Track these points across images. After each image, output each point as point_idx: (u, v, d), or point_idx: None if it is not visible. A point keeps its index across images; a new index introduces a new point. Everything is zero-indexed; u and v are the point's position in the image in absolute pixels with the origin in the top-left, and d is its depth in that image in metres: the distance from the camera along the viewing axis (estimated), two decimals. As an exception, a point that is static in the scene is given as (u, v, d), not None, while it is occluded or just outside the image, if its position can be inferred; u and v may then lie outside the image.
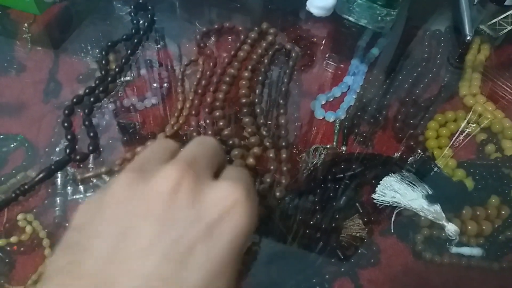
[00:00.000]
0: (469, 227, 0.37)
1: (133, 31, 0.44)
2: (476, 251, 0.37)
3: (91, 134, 0.36)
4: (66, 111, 0.37)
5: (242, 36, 0.43)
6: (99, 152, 0.38)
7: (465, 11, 0.46)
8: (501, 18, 0.45)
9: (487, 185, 0.40)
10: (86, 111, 0.37)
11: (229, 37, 0.48)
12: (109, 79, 0.39)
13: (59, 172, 0.38)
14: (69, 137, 0.36)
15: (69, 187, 0.38)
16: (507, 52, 0.49)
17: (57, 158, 0.37)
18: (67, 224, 0.37)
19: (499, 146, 0.43)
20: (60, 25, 0.50)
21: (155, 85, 0.45)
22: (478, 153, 0.43)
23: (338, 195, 0.39)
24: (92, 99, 0.38)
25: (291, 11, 0.51)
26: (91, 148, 0.36)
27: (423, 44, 0.49)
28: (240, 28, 0.46)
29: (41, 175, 0.35)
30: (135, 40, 0.43)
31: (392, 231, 0.37)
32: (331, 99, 0.46)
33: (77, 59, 0.47)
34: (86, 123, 0.37)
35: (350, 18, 0.46)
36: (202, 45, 0.45)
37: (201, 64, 0.43)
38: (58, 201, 0.38)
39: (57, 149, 0.40)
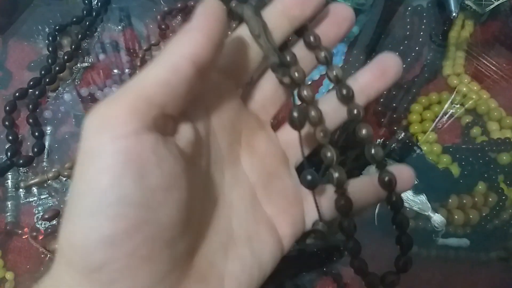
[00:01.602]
0: (456, 216, 0.36)
1: (84, 12, 0.39)
2: (463, 242, 0.35)
3: (36, 134, 0.32)
4: (7, 108, 0.32)
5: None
6: (50, 150, 0.34)
7: (451, -15, 0.43)
8: (487, -7, 0.42)
9: (474, 171, 0.38)
10: (31, 107, 0.33)
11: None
12: (57, 68, 0.35)
13: (9, 174, 0.34)
14: (10, 138, 0.31)
15: (21, 190, 0.35)
16: (491, 28, 0.47)
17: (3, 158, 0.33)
18: (20, 232, 0.33)
19: (485, 129, 0.41)
20: (5, 7, 0.45)
21: (115, 71, 0.41)
22: (463, 136, 0.41)
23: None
24: (37, 92, 0.34)
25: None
26: (35, 150, 0.32)
27: (404, 20, 0.47)
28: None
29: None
30: (87, 23, 0.39)
31: (376, 224, 0.35)
32: (309, 82, 0.43)
33: (28, 44, 0.43)
34: (30, 121, 0.32)
35: (328, -6, 0.43)
36: (163, 27, 0.41)
37: (162, 48, 0.39)
38: (10, 205, 0.34)
39: (7, 146, 0.36)
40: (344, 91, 0.23)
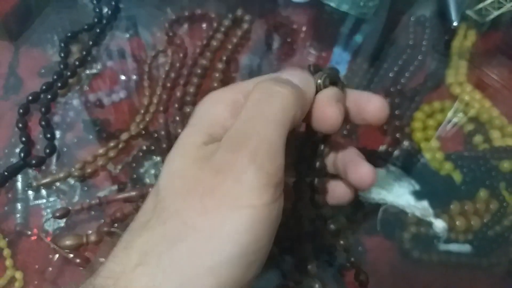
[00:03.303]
0: (457, 222, 0.36)
1: (95, 20, 0.40)
2: (464, 248, 0.36)
3: (48, 135, 0.33)
4: (21, 111, 0.33)
5: (215, 24, 0.40)
6: (59, 153, 0.35)
7: (451, -4, 0.44)
8: (487, 3, 0.43)
9: (476, 178, 0.38)
10: (43, 110, 0.34)
11: (203, 25, 0.45)
12: (69, 73, 0.36)
13: (19, 176, 0.35)
14: (23, 139, 0.32)
15: (30, 192, 0.35)
16: (493, 38, 0.47)
17: (14, 161, 0.34)
18: (29, 233, 0.34)
19: (487, 137, 0.41)
20: (18, 15, 0.46)
21: (123, 77, 0.42)
22: (466, 144, 0.41)
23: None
24: (49, 96, 0.35)
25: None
26: (47, 151, 0.33)
27: (407, 30, 0.47)
28: (213, 15, 0.43)
29: (-7, 182, 0.32)
30: (98, 30, 0.40)
31: (379, 229, 0.36)
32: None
33: (39, 51, 0.44)
34: (43, 123, 0.33)
35: (331, 4, 0.44)
36: (171, 34, 0.42)
37: (170, 55, 0.40)
38: (19, 207, 0.35)
39: (17, 150, 0.37)
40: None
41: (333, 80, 0.23)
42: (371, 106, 0.24)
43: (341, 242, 0.28)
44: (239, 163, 0.18)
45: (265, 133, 0.19)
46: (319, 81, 0.23)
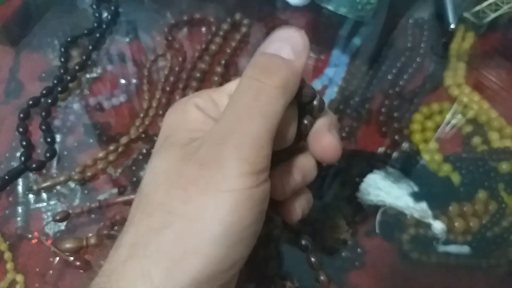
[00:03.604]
0: (456, 224, 0.36)
1: (95, 24, 0.40)
2: (463, 249, 0.36)
3: (49, 139, 0.33)
4: (21, 115, 0.34)
5: (213, 28, 0.41)
6: (59, 157, 0.35)
7: (448, -2, 0.45)
8: (484, 6, 0.43)
9: (474, 179, 0.38)
10: (43, 114, 0.34)
11: (203, 29, 0.45)
12: (69, 78, 0.36)
13: (20, 179, 0.35)
14: (24, 143, 0.33)
15: (31, 195, 0.36)
16: (491, 40, 0.48)
17: (14, 165, 0.34)
18: (30, 236, 0.34)
19: (485, 138, 0.41)
20: (19, 20, 0.47)
21: (123, 81, 0.42)
22: (464, 145, 0.41)
23: (323, 194, 0.37)
24: (49, 100, 0.35)
25: (267, 0, 0.48)
26: (48, 155, 0.33)
27: (406, 32, 0.48)
28: (212, 19, 0.43)
29: (-8, 187, 0.32)
30: (97, 35, 0.40)
31: (377, 231, 0.36)
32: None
33: (40, 56, 0.44)
34: (43, 127, 0.34)
35: (329, 7, 0.44)
36: (170, 38, 0.43)
37: (169, 59, 0.40)
38: (20, 210, 0.35)
39: (18, 154, 0.37)
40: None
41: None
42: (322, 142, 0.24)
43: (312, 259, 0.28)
44: (223, 155, 0.18)
45: (251, 127, 0.19)
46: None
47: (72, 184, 0.36)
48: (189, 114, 0.22)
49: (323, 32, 0.48)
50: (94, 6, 0.44)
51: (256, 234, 0.19)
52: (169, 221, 0.18)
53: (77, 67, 0.38)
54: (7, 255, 0.34)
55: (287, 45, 0.21)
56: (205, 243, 0.18)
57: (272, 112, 0.19)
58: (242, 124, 0.19)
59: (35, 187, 0.34)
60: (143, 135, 0.38)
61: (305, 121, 0.23)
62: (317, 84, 0.44)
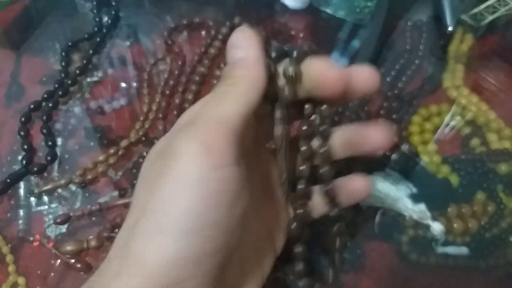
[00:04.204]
0: (455, 225, 0.36)
1: (96, 28, 0.41)
2: (462, 250, 0.36)
3: (50, 143, 0.34)
4: (23, 119, 0.34)
5: (213, 32, 0.41)
6: (60, 160, 0.35)
7: (446, 1, 0.45)
8: (482, 8, 0.43)
9: (473, 180, 0.39)
10: (45, 118, 0.35)
11: (202, 33, 0.45)
12: (70, 82, 0.37)
13: (21, 182, 0.36)
14: (25, 147, 0.33)
15: (32, 198, 0.36)
16: (489, 42, 0.48)
17: (16, 168, 0.34)
18: (31, 238, 0.35)
19: (484, 140, 0.42)
20: (20, 24, 0.47)
21: (123, 84, 0.42)
22: (463, 147, 0.42)
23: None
24: (51, 104, 0.35)
25: (266, 3, 0.49)
26: (49, 158, 0.33)
27: (404, 35, 0.48)
28: (211, 23, 0.43)
29: (-6, 190, 0.33)
30: (98, 39, 0.40)
31: (376, 232, 0.36)
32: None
33: (41, 59, 0.45)
34: (44, 131, 0.34)
35: (328, 10, 0.44)
36: (170, 42, 0.43)
37: (169, 62, 0.40)
38: (22, 213, 0.36)
39: (20, 157, 0.38)
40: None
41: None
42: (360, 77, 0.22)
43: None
44: (184, 143, 0.18)
45: (215, 114, 0.19)
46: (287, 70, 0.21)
47: (73, 187, 0.36)
48: None
49: (321, 35, 0.48)
50: (95, 11, 0.44)
51: (231, 226, 0.18)
52: (140, 217, 0.18)
53: (77, 71, 0.39)
54: (9, 258, 0.34)
55: (236, 47, 0.21)
56: (162, 236, 0.17)
57: (238, 100, 0.19)
58: (206, 112, 0.19)
59: (36, 190, 0.34)
60: (144, 138, 0.39)
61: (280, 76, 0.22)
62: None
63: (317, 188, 0.25)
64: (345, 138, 0.24)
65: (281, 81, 0.22)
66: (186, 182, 0.17)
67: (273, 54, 0.22)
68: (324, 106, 0.23)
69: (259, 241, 0.23)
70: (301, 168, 0.24)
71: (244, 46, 0.20)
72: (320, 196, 0.25)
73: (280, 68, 0.22)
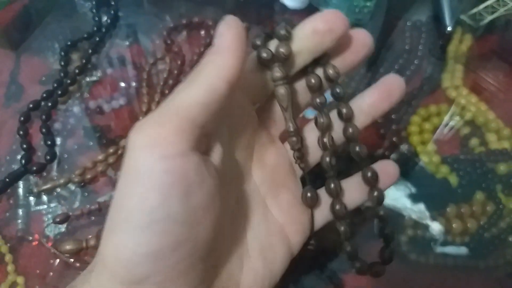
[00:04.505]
0: (454, 225, 0.36)
1: (95, 28, 0.41)
2: (461, 250, 0.36)
3: (49, 142, 0.34)
4: (22, 118, 0.34)
5: (212, 31, 0.41)
6: (59, 160, 0.35)
7: (445, 1, 0.45)
8: (481, 8, 0.43)
9: (472, 180, 0.39)
10: (44, 117, 0.35)
11: (201, 32, 0.45)
12: (69, 81, 0.37)
13: (20, 182, 0.36)
14: (24, 146, 0.33)
15: (31, 198, 0.36)
16: (488, 42, 0.48)
17: (15, 168, 0.34)
18: (30, 238, 0.35)
19: (483, 140, 0.42)
20: (19, 24, 0.47)
21: (123, 84, 0.42)
22: (462, 147, 0.42)
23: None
24: (50, 104, 0.35)
25: (265, 3, 0.49)
26: (48, 157, 0.33)
27: (404, 35, 0.48)
28: (210, 22, 0.43)
29: (-7, 189, 0.33)
30: (97, 38, 0.40)
31: (376, 232, 0.36)
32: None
33: (40, 59, 0.45)
34: (43, 130, 0.34)
35: (327, 10, 0.44)
36: (169, 41, 0.43)
37: (168, 62, 0.40)
38: (21, 213, 0.35)
39: (19, 156, 0.38)
40: (350, 131, 0.24)
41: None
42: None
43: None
44: (133, 136, 0.17)
45: (173, 103, 0.18)
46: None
47: (72, 187, 0.36)
48: None
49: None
50: (94, 10, 0.44)
51: (172, 219, 0.17)
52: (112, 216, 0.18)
53: (77, 71, 0.39)
54: (8, 257, 0.34)
55: (219, 38, 0.20)
56: (120, 233, 0.17)
57: (199, 88, 0.18)
58: (170, 97, 0.19)
59: (35, 190, 0.34)
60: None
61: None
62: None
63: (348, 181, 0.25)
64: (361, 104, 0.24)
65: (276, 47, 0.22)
66: (135, 176, 0.17)
67: (258, 42, 0.22)
68: (329, 65, 0.23)
69: (261, 236, 0.23)
70: (327, 159, 0.23)
71: (221, 34, 0.19)
72: (354, 185, 0.25)
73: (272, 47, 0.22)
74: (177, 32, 0.45)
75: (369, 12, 0.44)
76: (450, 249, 0.36)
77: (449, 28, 0.44)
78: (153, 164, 0.17)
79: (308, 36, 0.22)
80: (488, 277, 0.35)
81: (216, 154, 0.20)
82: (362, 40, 0.24)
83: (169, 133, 0.17)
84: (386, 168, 0.25)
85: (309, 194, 0.24)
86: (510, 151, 0.40)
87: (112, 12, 0.44)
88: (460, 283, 0.35)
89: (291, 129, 0.23)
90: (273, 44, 0.22)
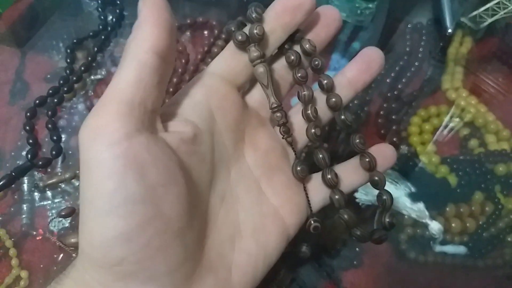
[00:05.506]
0: (453, 224, 0.37)
1: (100, 27, 0.41)
2: (460, 249, 0.36)
3: (55, 137, 0.34)
4: (28, 114, 0.35)
5: (216, 31, 0.42)
6: (64, 156, 0.36)
7: (446, 4, 0.45)
8: (481, 11, 0.44)
9: (471, 181, 0.39)
10: (50, 113, 0.35)
11: (205, 32, 0.46)
12: (74, 78, 0.37)
13: (25, 177, 0.36)
14: (30, 141, 0.34)
15: (36, 193, 0.36)
16: (488, 45, 0.48)
17: (20, 163, 0.35)
18: (34, 233, 0.35)
19: (482, 141, 0.42)
20: (25, 22, 0.47)
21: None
22: (462, 148, 0.42)
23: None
24: (56, 100, 0.36)
25: (268, 4, 0.49)
26: (54, 152, 0.34)
27: (404, 37, 0.48)
28: (214, 22, 0.44)
29: (0, 183, 0.33)
30: (102, 37, 0.41)
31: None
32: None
33: (45, 57, 0.45)
34: (49, 126, 0.34)
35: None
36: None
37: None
38: (25, 208, 0.36)
39: (24, 152, 0.38)
40: (333, 100, 0.24)
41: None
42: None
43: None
44: (80, 132, 0.18)
45: (110, 90, 0.18)
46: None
47: (76, 182, 0.36)
48: None
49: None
50: (100, 9, 0.45)
51: (131, 200, 0.17)
52: None
53: (82, 69, 0.39)
54: (12, 252, 0.34)
55: (138, 15, 0.20)
56: (88, 221, 0.18)
57: (128, 67, 0.18)
58: (112, 79, 0.19)
59: (41, 184, 0.34)
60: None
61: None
62: (316, 87, 0.45)
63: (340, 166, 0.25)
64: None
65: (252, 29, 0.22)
66: (89, 169, 0.17)
67: (232, 28, 0.24)
68: (305, 40, 0.24)
69: (254, 217, 0.23)
70: (312, 130, 0.24)
71: (139, 10, 0.19)
72: (350, 169, 0.25)
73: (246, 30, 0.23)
74: (181, 32, 0.45)
75: (371, 14, 0.44)
76: (449, 248, 0.36)
77: (449, 31, 0.44)
78: (101, 154, 0.17)
79: (279, 15, 0.23)
80: (486, 276, 0.35)
81: (177, 134, 0.20)
82: (331, 16, 0.25)
83: (109, 120, 0.17)
84: (383, 151, 0.25)
85: (299, 168, 0.24)
86: (509, 152, 0.40)
87: (118, 11, 0.45)
88: (459, 282, 0.36)
89: (274, 105, 0.23)
90: (247, 30, 0.23)
